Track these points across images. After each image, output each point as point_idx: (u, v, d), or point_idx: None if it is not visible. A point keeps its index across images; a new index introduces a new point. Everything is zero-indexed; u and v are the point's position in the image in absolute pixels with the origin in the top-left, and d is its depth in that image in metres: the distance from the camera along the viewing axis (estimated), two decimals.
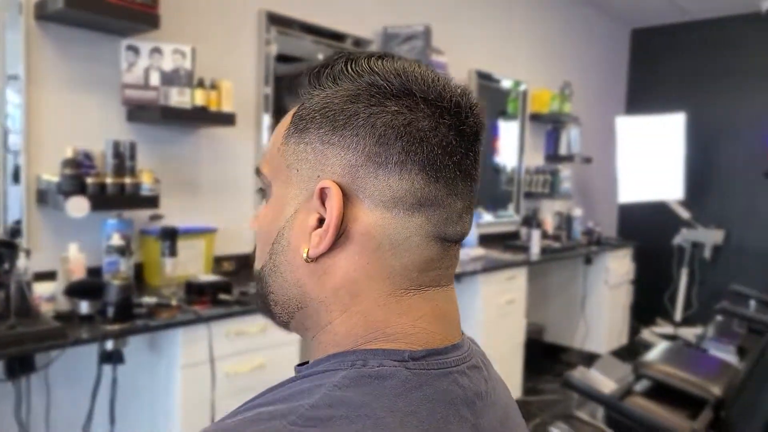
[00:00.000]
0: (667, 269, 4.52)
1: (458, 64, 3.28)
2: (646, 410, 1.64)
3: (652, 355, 2.13)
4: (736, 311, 2.82)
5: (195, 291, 1.92)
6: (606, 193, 4.75)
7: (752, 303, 3.12)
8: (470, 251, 3.11)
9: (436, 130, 0.44)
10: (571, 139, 4.12)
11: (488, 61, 3.63)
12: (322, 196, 0.45)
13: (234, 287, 2.01)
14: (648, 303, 4.49)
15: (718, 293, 3.80)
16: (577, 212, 3.97)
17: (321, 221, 0.45)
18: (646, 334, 4.24)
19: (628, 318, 4.07)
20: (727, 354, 2.73)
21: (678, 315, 4.37)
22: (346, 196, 0.44)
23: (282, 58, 2.57)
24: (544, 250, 3.36)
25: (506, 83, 3.79)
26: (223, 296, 1.91)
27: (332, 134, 0.45)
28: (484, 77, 3.60)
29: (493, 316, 2.82)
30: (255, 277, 0.53)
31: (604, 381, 1.87)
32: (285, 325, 0.52)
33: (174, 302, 1.70)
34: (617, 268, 3.86)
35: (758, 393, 1.42)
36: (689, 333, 4.07)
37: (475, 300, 2.78)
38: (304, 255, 0.45)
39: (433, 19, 3.07)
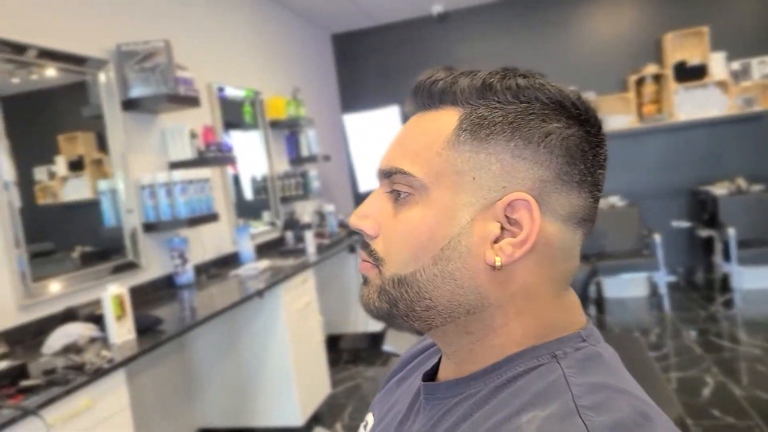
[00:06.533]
0: None
1: (197, 78, 3.18)
2: None
3: None
4: None
5: None
6: (344, 186, 5.16)
7: None
8: (256, 264, 3.09)
9: (598, 153, 0.51)
10: (310, 140, 4.36)
11: (222, 73, 3.59)
12: (509, 206, 0.48)
13: (30, 368, 1.66)
14: None
15: None
16: (329, 208, 4.25)
17: (501, 229, 0.49)
18: None
19: None
20: None
21: None
22: None
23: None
24: (319, 249, 3.54)
25: (240, 93, 3.81)
26: (26, 383, 1.57)
27: (524, 149, 0.48)
28: (221, 90, 3.55)
29: (295, 321, 2.88)
30: (392, 282, 0.52)
31: None
32: (428, 329, 0.53)
33: None
34: None
35: None
36: None
37: (277, 310, 2.79)
38: (497, 263, 0.48)
39: (164, 33, 2.91)
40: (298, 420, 2.82)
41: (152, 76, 2.70)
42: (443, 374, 0.58)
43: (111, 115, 2.61)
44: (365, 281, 0.56)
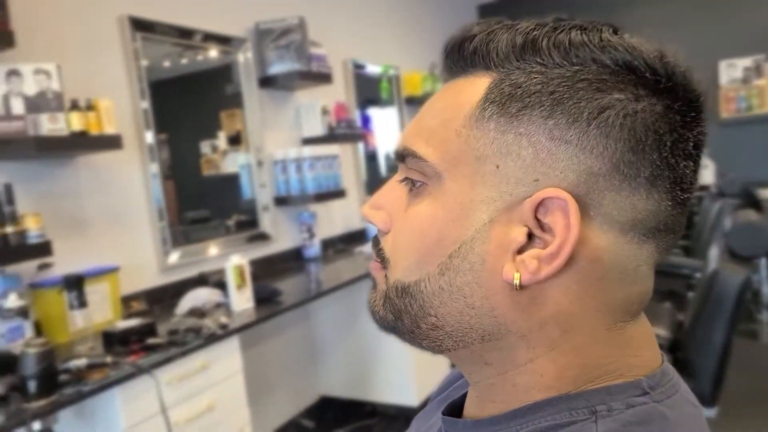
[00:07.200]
0: None
1: (333, 54, 3.22)
2: None
3: None
4: None
5: (117, 341, 1.69)
6: None
7: None
8: None
9: (683, 138, 0.37)
10: None
11: (359, 49, 3.60)
12: (539, 207, 0.36)
13: (157, 327, 1.79)
14: None
15: None
16: None
17: (530, 236, 0.37)
18: None
19: None
20: None
21: None
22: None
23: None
24: None
25: (376, 69, 3.79)
26: (151, 340, 1.70)
27: (568, 129, 0.36)
28: (358, 66, 3.57)
29: None
30: (396, 290, 0.43)
31: None
32: (439, 351, 0.43)
33: (108, 359, 1.47)
34: None
35: (710, 329, 1.57)
36: None
37: None
38: (516, 281, 0.37)
39: (301, 10, 2.96)
40: (413, 401, 2.80)
41: (287, 53, 2.78)
42: (468, 407, 0.48)
43: (248, 92, 2.74)
44: (374, 284, 0.47)
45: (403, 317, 0.43)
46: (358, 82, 3.56)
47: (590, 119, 0.35)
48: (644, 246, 0.38)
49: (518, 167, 0.37)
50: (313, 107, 3.00)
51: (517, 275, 0.37)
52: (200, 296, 2.11)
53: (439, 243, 0.40)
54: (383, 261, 0.45)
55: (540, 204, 0.36)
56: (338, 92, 3.35)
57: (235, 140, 2.76)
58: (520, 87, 0.37)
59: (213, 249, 2.51)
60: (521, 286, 0.37)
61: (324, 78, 2.92)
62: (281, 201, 2.83)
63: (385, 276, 0.45)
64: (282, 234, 2.88)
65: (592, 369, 0.38)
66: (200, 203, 2.68)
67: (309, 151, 2.82)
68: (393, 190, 0.46)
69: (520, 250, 0.37)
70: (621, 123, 0.35)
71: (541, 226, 0.37)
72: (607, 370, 0.38)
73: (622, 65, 0.36)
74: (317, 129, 3.00)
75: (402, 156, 0.43)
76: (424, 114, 0.44)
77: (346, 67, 3.44)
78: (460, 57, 0.42)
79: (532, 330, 0.38)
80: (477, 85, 0.40)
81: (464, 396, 0.50)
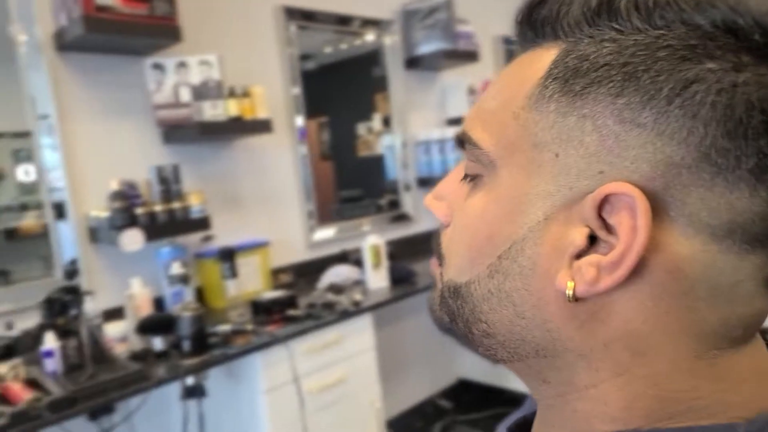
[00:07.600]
0: None
1: (483, 31, 3.12)
2: None
3: None
4: None
5: (262, 310, 1.83)
6: None
7: None
8: None
9: None
10: None
11: (508, 23, 3.45)
12: (604, 204, 0.30)
13: (298, 300, 1.91)
14: None
15: None
16: None
17: (591, 239, 0.31)
18: None
19: None
20: None
21: None
22: (653, 211, 0.29)
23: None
24: None
25: None
26: (291, 312, 1.82)
27: (642, 109, 0.29)
28: (509, 42, 3.43)
29: None
30: (449, 290, 0.39)
31: None
32: (495, 361, 0.39)
33: (249, 327, 1.61)
34: None
35: None
36: None
37: None
38: (569, 292, 0.31)
39: None
40: None
41: (433, 32, 2.75)
42: (535, 426, 0.43)
43: (394, 74, 2.77)
44: (434, 282, 0.44)
45: (457, 320, 0.39)
46: (509, 58, 3.42)
47: (671, 96, 0.28)
48: (748, 257, 0.29)
49: (580, 156, 0.31)
50: (458, 86, 2.96)
51: (570, 284, 0.31)
52: (340, 273, 2.21)
53: (489, 241, 0.35)
54: (439, 257, 0.41)
55: (604, 200, 0.30)
56: (486, 70, 3.26)
57: (389, 122, 2.84)
58: (587, 59, 0.31)
59: (361, 227, 2.61)
60: (576, 298, 0.31)
61: (470, 56, 2.86)
62: (424, 182, 2.85)
63: (441, 274, 0.41)
64: (423, 215, 2.90)
65: (671, 403, 0.31)
66: (355, 183, 2.82)
67: (452, 131, 2.78)
68: (456, 179, 0.41)
69: (580, 255, 0.31)
70: (713, 100, 0.27)
71: (607, 227, 0.31)
72: (692, 406, 0.31)
73: (720, 25, 0.28)
74: (462, 109, 2.95)
75: (461, 142, 0.39)
76: (487, 94, 0.39)
77: (495, 44, 3.33)
78: (529, 26, 0.36)
79: (594, 350, 0.32)
80: (543, 59, 0.34)
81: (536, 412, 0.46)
